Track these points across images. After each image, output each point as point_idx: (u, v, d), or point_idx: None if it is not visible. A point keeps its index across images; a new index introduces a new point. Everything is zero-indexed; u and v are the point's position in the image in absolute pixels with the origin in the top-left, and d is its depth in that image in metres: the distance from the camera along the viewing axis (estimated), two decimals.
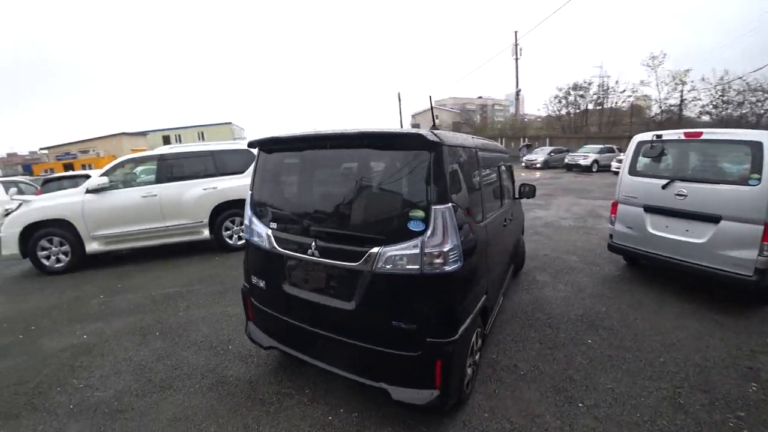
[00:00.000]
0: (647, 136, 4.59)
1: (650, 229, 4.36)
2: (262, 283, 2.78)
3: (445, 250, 2.15)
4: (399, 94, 41.08)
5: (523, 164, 23.80)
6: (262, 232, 2.72)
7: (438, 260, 2.15)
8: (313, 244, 2.43)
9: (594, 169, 19.42)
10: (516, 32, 32.85)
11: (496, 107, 72.44)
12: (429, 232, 2.14)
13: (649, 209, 4.36)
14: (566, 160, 20.56)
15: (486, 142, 3.63)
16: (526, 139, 30.05)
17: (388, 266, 2.20)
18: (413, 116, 59.99)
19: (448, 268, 2.17)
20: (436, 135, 2.21)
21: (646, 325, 3.68)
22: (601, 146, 20.98)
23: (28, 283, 5.89)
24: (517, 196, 4.54)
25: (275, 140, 2.74)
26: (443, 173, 2.19)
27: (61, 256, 6.20)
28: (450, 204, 2.19)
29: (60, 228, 6.08)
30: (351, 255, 2.30)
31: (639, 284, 4.69)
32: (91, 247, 6.24)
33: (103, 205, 6.24)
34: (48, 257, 6.15)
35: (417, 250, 2.16)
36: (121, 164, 6.69)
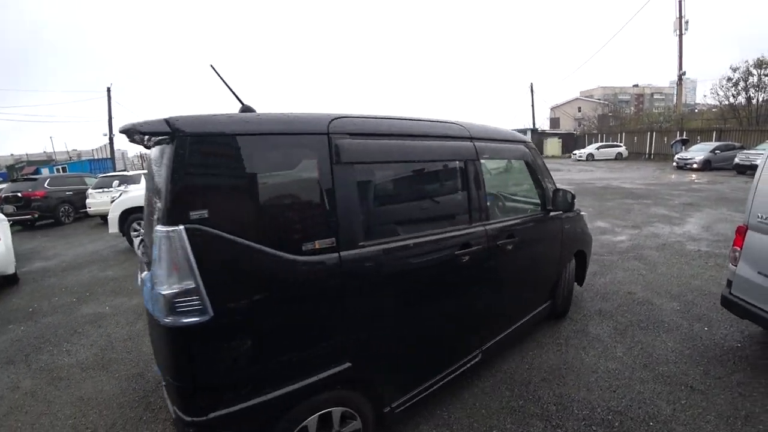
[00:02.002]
0: None
1: None
2: None
3: (165, 293, 1.34)
4: (531, 84, 36.83)
5: (675, 164, 18.51)
6: None
7: (166, 306, 1.36)
8: None
9: None
10: (680, 0, 25.67)
11: (655, 96, 59.81)
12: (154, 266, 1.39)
13: None
14: (736, 160, 14.86)
15: (402, 123, 2.06)
16: (684, 133, 23.38)
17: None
18: (552, 109, 53.75)
19: (183, 321, 1.35)
20: (173, 120, 1.36)
21: None
22: None
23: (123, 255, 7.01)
24: (549, 206, 2.99)
25: None
26: (179, 177, 1.35)
27: None
28: (183, 226, 1.33)
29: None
30: None
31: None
32: None
33: None
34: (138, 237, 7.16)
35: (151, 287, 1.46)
36: None
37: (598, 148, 27.52)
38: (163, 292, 1.33)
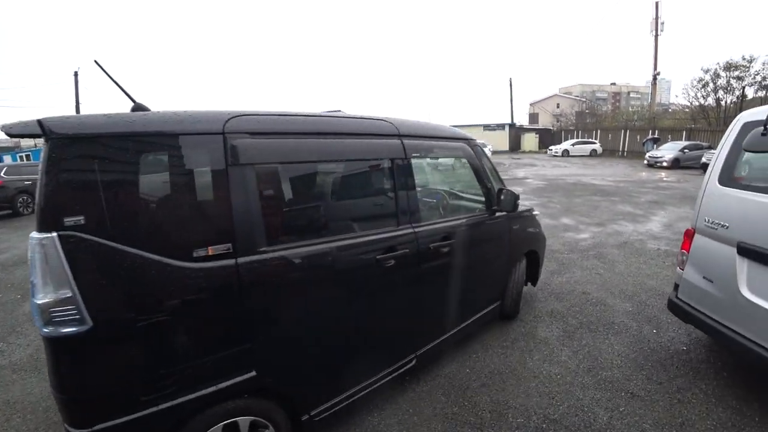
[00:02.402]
0: (761, 113, 2.36)
1: (745, 291, 2.24)
2: None
3: (40, 302, 1.28)
4: (510, 80, 36.87)
5: (646, 162, 18.92)
6: None
7: (43, 316, 1.29)
8: None
9: None
10: (657, 2, 26.05)
11: (632, 95, 61.32)
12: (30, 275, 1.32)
13: (749, 252, 2.23)
14: (704, 159, 15.31)
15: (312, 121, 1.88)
16: (656, 132, 23.92)
17: None
18: (531, 105, 54.23)
19: (61, 331, 1.29)
20: (46, 121, 1.26)
21: None
22: None
23: None
24: (495, 206, 2.84)
25: None
26: (52, 182, 1.26)
27: None
28: (56, 233, 1.26)
29: None
30: None
31: (713, 379, 2.56)
32: None
33: None
34: None
35: None
36: None
37: (573, 145, 27.93)
38: (39, 302, 1.27)
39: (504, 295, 3.22)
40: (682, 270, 2.70)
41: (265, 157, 1.64)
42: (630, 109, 40.76)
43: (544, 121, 44.49)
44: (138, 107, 1.62)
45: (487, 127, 35.59)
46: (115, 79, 1.78)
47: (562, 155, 27.24)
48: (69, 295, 1.27)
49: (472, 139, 2.90)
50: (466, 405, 2.36)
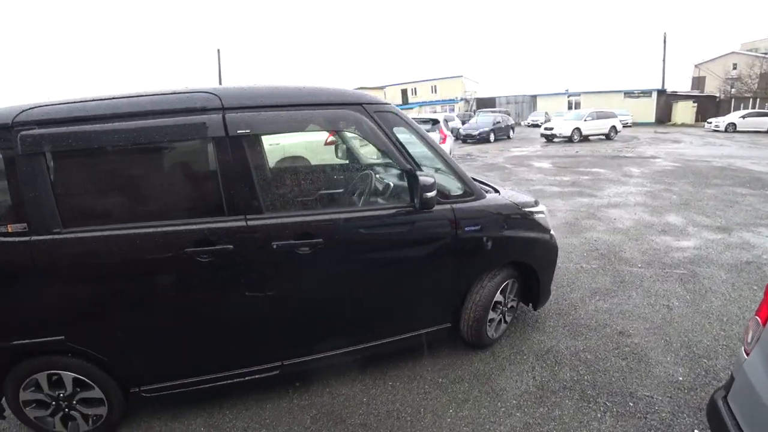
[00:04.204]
0: None
1: None
2: None
3: None
4: (665, 35, 29.05)
5: None
6: None
7: None
8: None
9: None
10: None
11: None
12: None
13: None
14: None
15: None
16: None
17: None
18: (697, 66, 42.51)
19: None
20: None
21: None
22: None
23: None
24: (416, 202, 1.95)
25: None
26: None
27: None
28: None
29: None
30: None
31: None
32: None
33: None
34: None
35: None
36: None
37: (743, 117, 20.90)
38: None
39: (459, 317, 2.30)
40: (747, 356, 1.39)
41: (56, 145, 1.68)
42: None
43: (712, 87, 34.30)
44: None
45: (629, 94, 29.49)
46: None
47: (726, 130, 20.71)
48: None
49: (376, 104, 2.06)
50: None
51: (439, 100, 43.86)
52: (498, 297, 2.38)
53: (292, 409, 2.09)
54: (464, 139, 18.63)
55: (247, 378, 2.01)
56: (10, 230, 1.67)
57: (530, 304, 2.73)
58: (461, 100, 42.22)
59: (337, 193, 2.55)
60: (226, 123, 1.77)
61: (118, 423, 1.98)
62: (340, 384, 2.20)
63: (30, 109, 1.68)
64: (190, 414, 2.08)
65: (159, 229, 1.75)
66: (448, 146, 10.29)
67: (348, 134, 2.64)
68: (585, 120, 18.06)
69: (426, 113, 34.37)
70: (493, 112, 24.18)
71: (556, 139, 18.07)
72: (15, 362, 1.75)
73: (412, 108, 42.79)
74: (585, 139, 17.96)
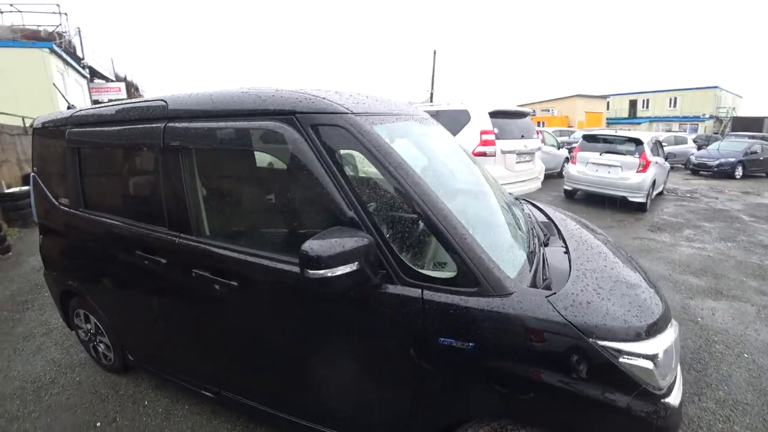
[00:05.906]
0: None
1: None
2: None
3: None
4: None
5: None
6: None
7: None
8: None
9: None
10: None
11: None
12: None
13: None
14: None
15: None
16: None
17: None
18: None
19: None
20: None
21: None
22: None
23: None
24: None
25: None
26: None
27: None
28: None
29: None
30: None
31: None
32: None
33: None
34: None
35: None
36: None
37: None
38: None
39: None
40: None
41: (81, 143, 2.08)
42: None
43: None
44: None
45: None
46: None
47: None
48: None
49: (321, 113, 1.32)
50: None
51: (678, 116, 34.36)
52: None
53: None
54: (695, 169, 13.77)
55: (186, 385, 2.05)
56: (62, 203, 2.32)
57: None
58: (710, 117, 31.62)
59: (275, 231, 1.78)
60: (164, 133, 1.65)
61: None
62: None
63: (77, 112, 2.14)
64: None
65: (128, 227, 1.91)
66: (621, 175, 7.45)
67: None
68: None
69: (656, 131, 27.06)
70: (752, 137, 16.61)
71: None
72: (68, 298, 2.48)
73: (640, 123, 34.89)
74: None
